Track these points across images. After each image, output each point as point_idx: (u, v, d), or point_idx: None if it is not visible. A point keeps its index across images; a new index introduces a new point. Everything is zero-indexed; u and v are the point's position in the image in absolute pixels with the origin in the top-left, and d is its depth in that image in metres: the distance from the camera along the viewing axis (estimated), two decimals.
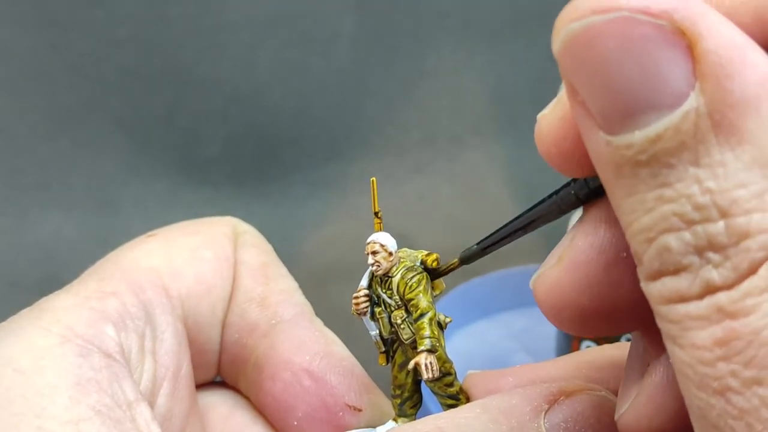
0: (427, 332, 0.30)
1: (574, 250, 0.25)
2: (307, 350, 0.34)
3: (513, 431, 0.27)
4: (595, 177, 0.24)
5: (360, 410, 0.33)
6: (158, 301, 0.33)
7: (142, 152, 0.89)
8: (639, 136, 0.20)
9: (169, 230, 0.36)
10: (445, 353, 0.31)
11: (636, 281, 0.22)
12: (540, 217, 0.27)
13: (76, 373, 0.28)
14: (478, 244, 0.30)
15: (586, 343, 0.63)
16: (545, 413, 0.27)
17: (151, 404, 0.31)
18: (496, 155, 0.94)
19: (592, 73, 0.20)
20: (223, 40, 0.86)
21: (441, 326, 0.32)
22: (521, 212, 0.28)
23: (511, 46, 0.89)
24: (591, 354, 0.32)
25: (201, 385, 0.36)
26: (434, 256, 0.32)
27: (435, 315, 0.31)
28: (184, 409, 0.33)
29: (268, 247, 0.38)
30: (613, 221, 0.24)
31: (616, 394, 0.28)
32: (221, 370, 0.36)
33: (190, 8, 0.84)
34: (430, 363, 0.30)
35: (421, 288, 0.31)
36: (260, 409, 0.35)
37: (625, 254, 0.24)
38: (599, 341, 0.58)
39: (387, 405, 0.34)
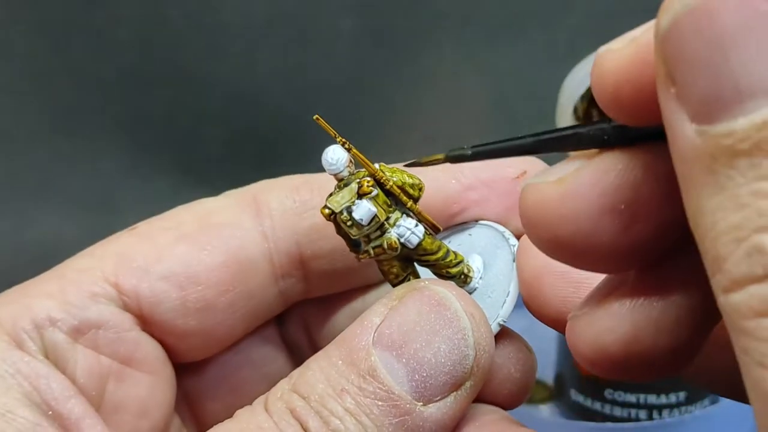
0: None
1: (577, 179, 0.24)
2: None
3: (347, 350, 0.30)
4: (636, 127, 0.23)
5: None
6: (103, 294, 0.34)
7: (142, 152, 0.89)
8: (743, 122, 0.18)
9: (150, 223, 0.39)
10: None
11: (619, 237, 0.23)
12: (552, 142, 0.26)
13: (1, 368, 0.30)
14: (472, 147, 0.30)
15: None
16: (375, 329, 0.30)
17: (99, 392, 0.33)
18: None
19: (704, 54, 0.19)
20: (223, 40, 0.86)
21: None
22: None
23: (511, 46, 0.89)
24: None
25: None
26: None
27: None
28: (142, 393, 0.34)
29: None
30: (627, 173, 0.24)
31: None
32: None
33: (190, 8, 0.83)
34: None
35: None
36: None
37: (623, 206, 0.23)
38: None
39: None
